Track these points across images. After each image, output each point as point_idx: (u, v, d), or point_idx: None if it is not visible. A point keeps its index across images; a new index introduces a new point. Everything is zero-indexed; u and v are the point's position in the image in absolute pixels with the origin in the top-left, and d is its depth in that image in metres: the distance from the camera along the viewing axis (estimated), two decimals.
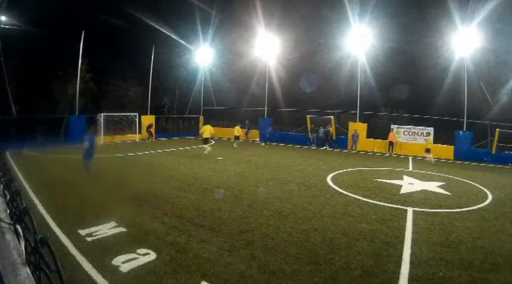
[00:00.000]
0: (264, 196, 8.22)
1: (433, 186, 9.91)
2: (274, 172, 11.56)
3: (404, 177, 11.44)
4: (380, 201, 7.95)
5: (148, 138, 22.30)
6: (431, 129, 18.73)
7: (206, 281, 3.97)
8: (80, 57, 19.88)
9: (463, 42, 18.01)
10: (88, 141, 9.68)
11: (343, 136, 21.15)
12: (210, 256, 4.62)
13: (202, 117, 28.01)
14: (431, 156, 15.51)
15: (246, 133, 23.01)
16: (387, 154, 18.47)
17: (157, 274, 4.09)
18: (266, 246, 5.06)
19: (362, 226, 6.10)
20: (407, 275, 4.24)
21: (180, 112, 27.94)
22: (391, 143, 18.74)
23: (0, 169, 3.09)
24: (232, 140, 19.58)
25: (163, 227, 5.74)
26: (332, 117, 21.10)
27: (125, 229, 5.53)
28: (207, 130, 15.37)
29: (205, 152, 14.98)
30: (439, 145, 18.41)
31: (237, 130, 19.21)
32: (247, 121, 23.69)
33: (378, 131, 21.01)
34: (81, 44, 19.61)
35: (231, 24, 26.98)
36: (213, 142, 21.33)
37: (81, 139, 10.42)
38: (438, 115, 19.63)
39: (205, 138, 15.34)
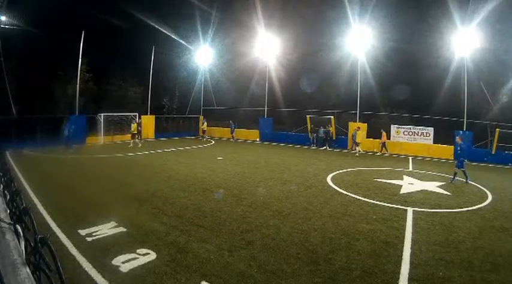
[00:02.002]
0: (264, 196, 8.21)
1: (433, 186, 9.91)
2: (274, 172, 11.56)
3: (404, 177, 11.44)
4: (380, 201, 7.95)
5: (136, 138, 18.99)
6: (431, 129, 18.74)
7: (206, 281, 3.97)
8: (80, 57, 19.86)
9: (463, 42, 17.99)
10: (67, 130, 14.45)
11: (343, 136, 21.15)
12: (210, 256, 4.62)
13: (202, 117, 28.04)
14: (359, 148, 17.83)
15: (232, 133, 24.59)
16: (384, 154, 18.63)
17: (157, 274, 4.09)
18: (266, 246, 5.05)
19: (362, 226, 6.10)
20: (407, 275, 4.24)
21: (180, 112, 27.94)
22: (383, 143, 18.98)
23: (0, 169, 3.08)
24: (202, 135, 22.75)
25: (163, 227, 5.74)
26: (332, 117, 21.09)
27: (124, 229, 5.53)
28: (136, 128, 19.02)
29: (131, 145, 18.02)
30: (439, 145, 18.42)
31: (205, 126, 23.92)
32: (230, 121, 25.09)
33: (378, 131, 21.00)
34: (81, 44, 19.59)
35: (231, 24, 26.98)
36: (212, 141, 21.32)
37: (63, 128, 15.29)
38: (438, 115, 19.62)
39: (133, 133, 18.75)
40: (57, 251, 1.05)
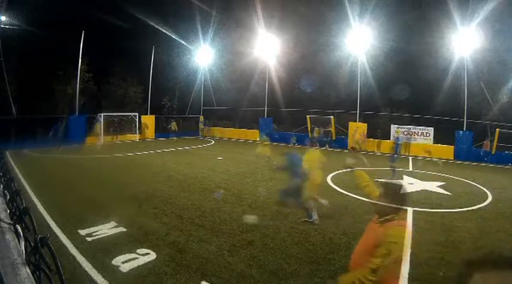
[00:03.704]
0: (264, 196, 8.21)
1: (433, 186, 9.91)
2: (275, 172, 11.54)
3: (404, 177, 11.44)
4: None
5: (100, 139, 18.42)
6: (431, 129, 18.75)
7: (206, 281, 3.97)
8: (80, 57, 19.86)
9: (463, 42, 18.00)
10: (54, 131, 15.26)
11: (343, 136, 21.14)
12: (210, 256, 4.62)
13: (202, 117, 28.04)
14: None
15: (206, 131, 25.90)
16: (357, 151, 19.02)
17: (157, 274, 4.09)
18: (266, 246, 5.05)
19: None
20: (407, 275, 4.23)
21: (180, 112, 27.94)
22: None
23: (0, 169, 3.08)
24: (172, 135, 23.04)
25: (163, 227, 5.74)
26: (332, 117, 21.08)
27: (124, 229, 5.53)
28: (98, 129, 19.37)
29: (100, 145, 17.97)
30: (439, 145, 18.42)
31: (173, 126, 23.65)
32: (206, 121, 26.73)
33: (378, 131, 21.01)
34: (81, 44, 19.59)
35: (231, 24, 26.99)
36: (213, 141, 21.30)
37: (51, 129, 15.85)
38: (438, 115, 19.62)
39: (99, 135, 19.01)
40: (57, 251, 1.05)
